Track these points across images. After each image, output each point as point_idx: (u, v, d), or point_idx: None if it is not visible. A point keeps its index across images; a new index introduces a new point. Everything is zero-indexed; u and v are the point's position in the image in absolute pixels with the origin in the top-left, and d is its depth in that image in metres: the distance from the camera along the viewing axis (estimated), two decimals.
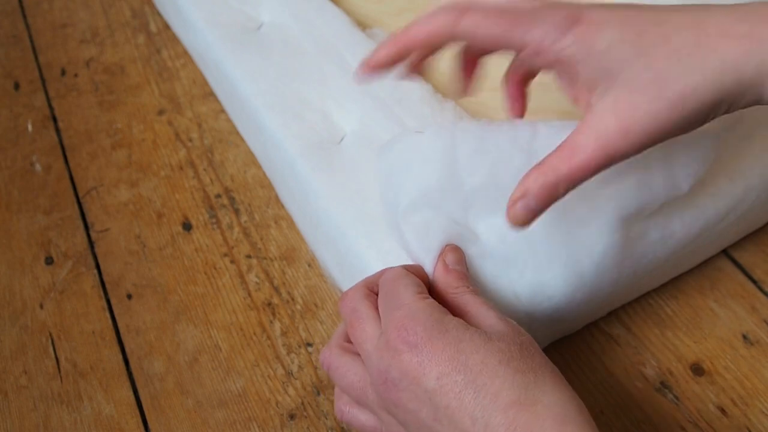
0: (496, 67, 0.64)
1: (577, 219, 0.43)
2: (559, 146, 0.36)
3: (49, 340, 0.51)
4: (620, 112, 0.34)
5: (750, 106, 0.34)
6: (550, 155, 0.36)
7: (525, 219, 0.37)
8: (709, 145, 0.44)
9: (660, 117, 0.33)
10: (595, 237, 0.43)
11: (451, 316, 0.36)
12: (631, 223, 0.44)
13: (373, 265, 0.46)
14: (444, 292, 0.40)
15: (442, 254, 0.42)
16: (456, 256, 0.42)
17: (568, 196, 0.37)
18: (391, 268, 0.41)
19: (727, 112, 0.35)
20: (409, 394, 0.35)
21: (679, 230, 0.46)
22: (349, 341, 0.41)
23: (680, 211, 0.46)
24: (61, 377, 0.50)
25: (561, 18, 0.34)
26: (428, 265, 0.42)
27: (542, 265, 0.44)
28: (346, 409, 0.40)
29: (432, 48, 0.40)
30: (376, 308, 0.39)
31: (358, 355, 0.39)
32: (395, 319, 0.36)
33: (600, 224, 0.43)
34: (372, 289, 0.41)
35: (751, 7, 0.33)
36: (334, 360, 0.40)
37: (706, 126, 0.36)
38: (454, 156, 0.42)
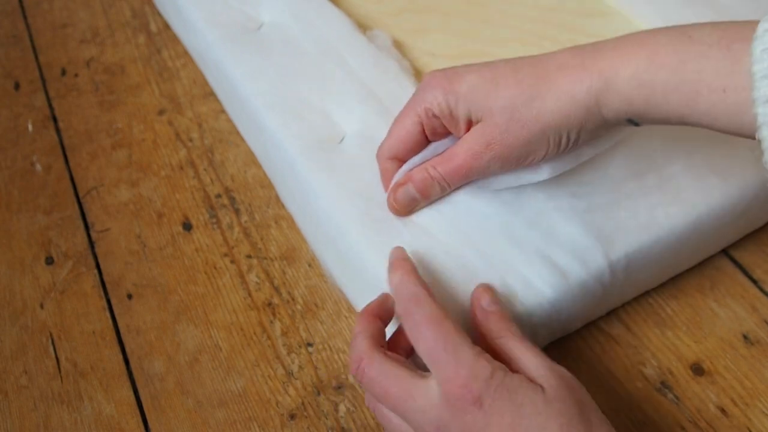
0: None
1: (545, 216, 0.47)
2: (442, 153, 0.45)
3: (50, 340, 0.51)
4: (486, 130, 0.42)
5: (603, 128, 0.42)
6: (433, 158, 0.45)
7: (404, 203, 0.45)
8: None
9: (514, 136, 0.41)
10: (568, 230, 0.46)
11: (511, 374, 0.36)
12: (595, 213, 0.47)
13: (373, 265, 0.46)
14: (488, 337, 0.40)
15: (476, 296, 0.42)
16: (490, 295, 0.42)
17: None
18: (416, 299, 0.40)
19: (579, 135, 0.41)
20: None
21: (663, 220, 0.47)
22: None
23: (664, 202, 0.47)
24: (61, 377, 0.50)
25: (437, 83, 0.43)
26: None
27: (528, 264, 0.44)
28: None
29: None
30: (396, 359, 0.39)
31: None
32: (459, 377, 0.36)
33: (565, 217, 0.46)
34: (376, 336, 0.40)
35: (590, 44, 0.41)
36: (378, 411, 0.40)
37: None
38: None
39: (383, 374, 0.38)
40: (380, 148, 0.48)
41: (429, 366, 0.37)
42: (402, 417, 0.38)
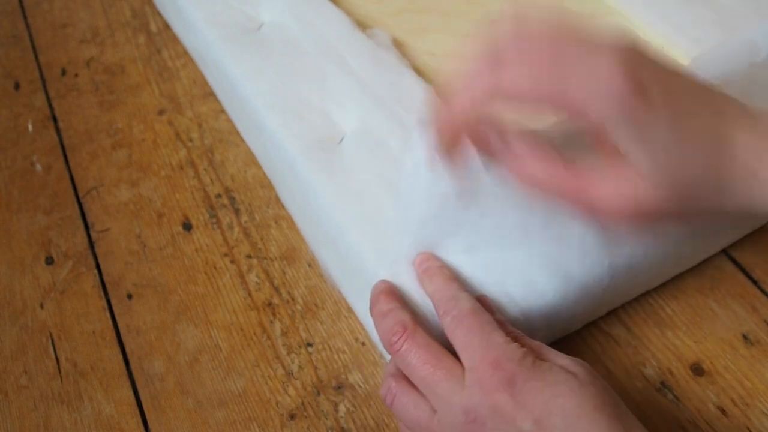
0: None
1: (557, 217, 0.44)
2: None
3: (50, 340, 0.51)
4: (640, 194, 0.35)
5: None
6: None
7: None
8: None
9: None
10: (576, 231, 0.44)
11: (541, 360, 0.36)
12: None
13: (372, 265, 0.46)
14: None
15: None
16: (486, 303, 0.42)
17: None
18: (451, 293, 0.40)
19: None
20: None
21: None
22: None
23: None
24: (61, 377, 0.50)
25: (616, 87, 0.32)
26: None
27: (529, 265, 0.44)
28: None
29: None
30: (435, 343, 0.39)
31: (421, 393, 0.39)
32: (490, 358, 0.36)
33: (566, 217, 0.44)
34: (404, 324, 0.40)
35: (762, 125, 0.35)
36: (399, 396, 0.39)
37: None
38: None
39: (425, 346, 0.38)
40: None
41: (462, 355, 0.38)
42: (431, 393, 0.38)
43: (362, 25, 0.62)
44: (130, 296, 0.53)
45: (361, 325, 0.51)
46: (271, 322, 0.51)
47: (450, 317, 0.39)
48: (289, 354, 0.50)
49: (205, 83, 0.67)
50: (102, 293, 0.54)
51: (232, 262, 0.55)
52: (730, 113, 0.36)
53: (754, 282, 0.51)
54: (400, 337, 0.39)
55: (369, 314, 0.47)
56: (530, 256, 0.45)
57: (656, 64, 0.34)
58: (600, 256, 0.45)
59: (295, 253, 0.55)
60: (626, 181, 0.35)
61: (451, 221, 0.43)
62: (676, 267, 0.51)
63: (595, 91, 0.33)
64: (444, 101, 0.37)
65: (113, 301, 0.53)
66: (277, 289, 0.53)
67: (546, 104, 0.34)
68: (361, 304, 0.50)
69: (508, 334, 0.38)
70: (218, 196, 0.59)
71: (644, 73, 0.33)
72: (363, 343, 0.50)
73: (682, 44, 0.60)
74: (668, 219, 0.37)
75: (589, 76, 0.33)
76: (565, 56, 0.33)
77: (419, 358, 0.38)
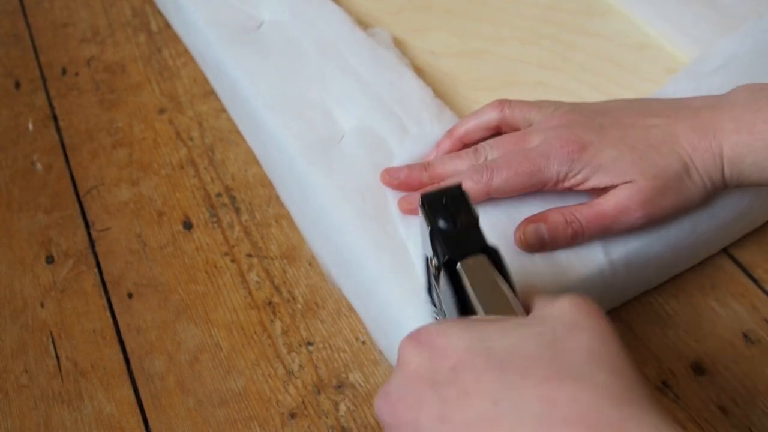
0: (493, 67, 0.65)
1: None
2: (585, 203, 0.45)
3: (50, 339, 0.51)
4: (639, 189, 0.44)
5: None
6: (573, 206, 0.45)
7: (531, 241, 0.45)
8: None
9: (668, 200, 0.44)
10: None
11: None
12: None
13: (370, 264, 0.46)
14: None
15: None
16: None
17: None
18: None
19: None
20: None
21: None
22: None
23: None
24: (61, 376, 0.50)
25: (566, 153, 0.44)
26: None
27: (529, 263, 0.45)
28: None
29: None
30: None
31: None
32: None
33: None
34: None
35: (705, 116, 0.44)
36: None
37: None
38: None
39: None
40: (456, 128, 0.51)
41: None
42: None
43: (363, 24, 0.62)
44: (130, 295, 0.53)
45: (361, 323, 0.51)
46: (272, 321, 0.51)
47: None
48: (289, 353, 0.50)
49: (205, 82, 0.67)
50: (102, 292, 0.54)
51: (233, 261, 0.55)
52: (680, 114, 0.45)
53: (755, 281, 0.51)
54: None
55: (369, 313, 0.47)
56: (524, 253, 0.45)
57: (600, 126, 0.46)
58: (600, 254, 0.45)
59: (296, 252, 0.55)
60: (616, 193, 0.45)
61: None
62: (676, 265, 0.51)
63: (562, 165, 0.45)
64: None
65: (113, 300, 0.53)
66: (277, 288, 0.53)
67: (527, 189, 0.46)
68: (359, 303, 0.50)
69: None
70: (219, 195, 0.59)
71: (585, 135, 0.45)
72: (363, 342, 0.50)
73: (681, 43, 0.60)
74: (661, 205, 0.44)
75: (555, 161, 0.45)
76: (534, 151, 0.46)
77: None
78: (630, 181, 0.44)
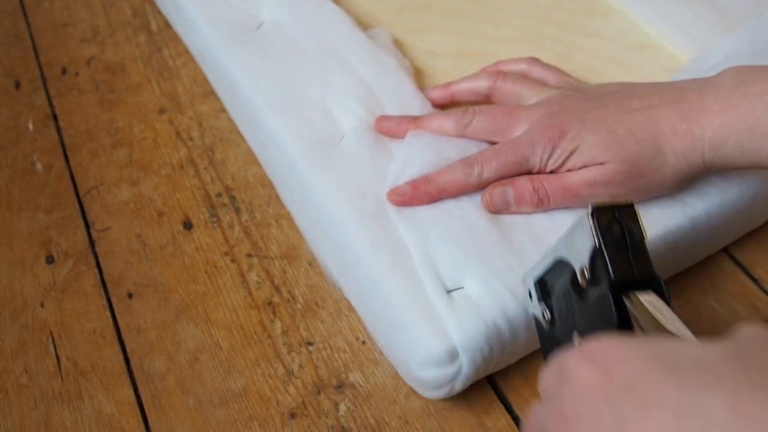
0: (492, 64, 0.64)
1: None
2: (552, 173, 0.48)
3: (50, 339, 0.51)
4: (607, 170, 0.46)
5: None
6: (542, 175, 0.48)
7: (497, 202, 0.48)
8: None
9: (633, 182, 0.46)
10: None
11: None
12: None
13: (370, 264, 0.46)
14: None
15: None
16: None
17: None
18: None
19: (682, 185, 0.48)
20: None
21: (663, 219, 0.47)
22: None
23: (664, 201, 0.48)
24: (61, 376, 0.50)
25: (547, 139, 0.47)
26: None
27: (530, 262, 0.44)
28: None
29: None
30: None
31: None
32: None
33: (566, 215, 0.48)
34: None
35: (690, 100, 0.45)
36: None
37: None
38: None
39: None
40: (426, 122, 0.53)
41: None
42: None
43: (362, 24, 0.62)
44: (130, 295, 0.53)
45: (361, 323, 0.51)
46: (272, 321, 0.51)
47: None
48: (289, 353, 0.50)
49: (205, 82, 0.67)
50: (102, 292, 0.54)
51: (233, 261, 0.55)
52: (665, 97, 0.46)
53: (755, 281, 0.51)
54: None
55: (369, 313, 0.47)
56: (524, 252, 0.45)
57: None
58: None
59: (296, 251, 0.55)
60: (583, 172, 0.47)
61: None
62: (676, 265, 0.51)
63: (544, 152, 0.48)
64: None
65: (113, 300, 0.53)
66: (277, 288, 0.53)
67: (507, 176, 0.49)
68: (359, 302, 0.50)
69: None
70: (219, 195, 0.59)
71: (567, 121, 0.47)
72: (363, 342, 0.50)
73: (681, 43, 0.60)
74: (625, 186, 0.46)
75: (537, 148, 0.48)
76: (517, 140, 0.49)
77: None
78: (601, 164, 0.46)
